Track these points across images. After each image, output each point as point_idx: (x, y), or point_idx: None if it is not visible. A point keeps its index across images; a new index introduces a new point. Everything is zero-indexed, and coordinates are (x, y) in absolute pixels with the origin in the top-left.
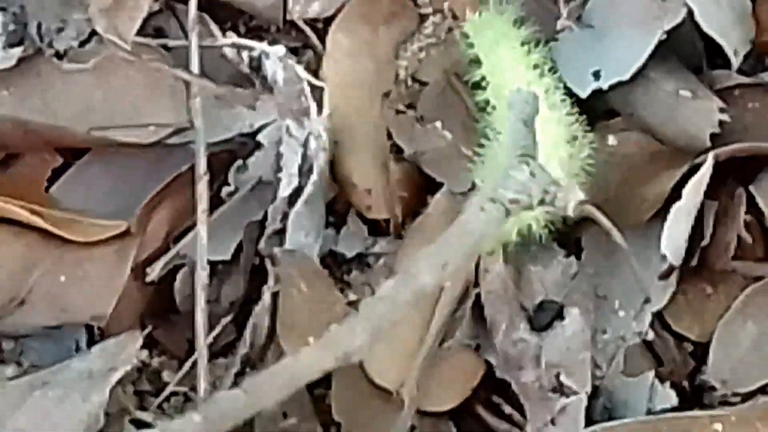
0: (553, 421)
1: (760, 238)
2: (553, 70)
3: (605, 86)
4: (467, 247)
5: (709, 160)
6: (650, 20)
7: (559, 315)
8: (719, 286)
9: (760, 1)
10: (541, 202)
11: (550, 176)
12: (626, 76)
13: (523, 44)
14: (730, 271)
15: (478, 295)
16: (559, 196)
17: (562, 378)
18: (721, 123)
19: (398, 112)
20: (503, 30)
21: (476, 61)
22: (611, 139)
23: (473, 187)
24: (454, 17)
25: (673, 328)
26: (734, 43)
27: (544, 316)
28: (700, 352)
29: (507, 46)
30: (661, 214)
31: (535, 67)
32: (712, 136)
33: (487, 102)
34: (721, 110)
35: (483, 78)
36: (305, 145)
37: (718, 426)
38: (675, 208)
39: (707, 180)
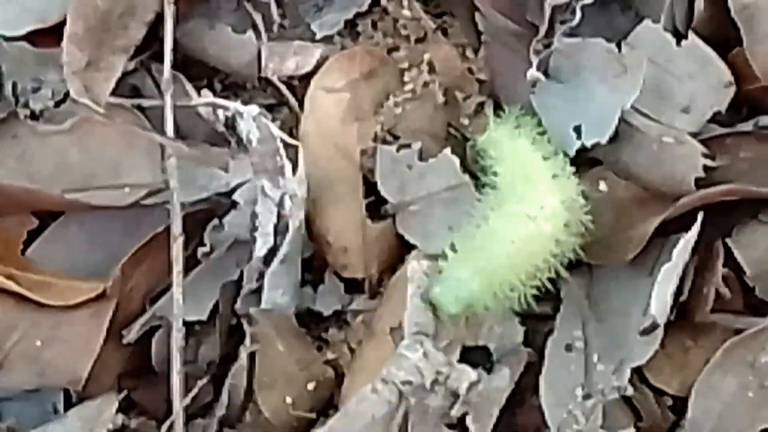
0: None
1: (739, 291)
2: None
3: (588, 144)
4: (359, 429)
5: (699, 217)
6: (614, 76)
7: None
8: (699, 340)
9: (735, 51)
10: (434, 383)
11: (443, 357)
12: (604, 139)
13: (544, 158)
14: (710, 324)
15: None
16: (452, 377)
17: (468, 420)
18: (705, 168)
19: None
20: (522, 145)
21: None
22: (602, 185)
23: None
24: (431, 71)
25: (651, 382)
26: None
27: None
28: (680, 406)
29: (526, 160)
30: (642, 261)
31: (554, 177)
32: (697, 180)
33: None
34: (705, 155)
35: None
36: (280, 204)
37: None
38: (665, 268)
39: (695, 238)
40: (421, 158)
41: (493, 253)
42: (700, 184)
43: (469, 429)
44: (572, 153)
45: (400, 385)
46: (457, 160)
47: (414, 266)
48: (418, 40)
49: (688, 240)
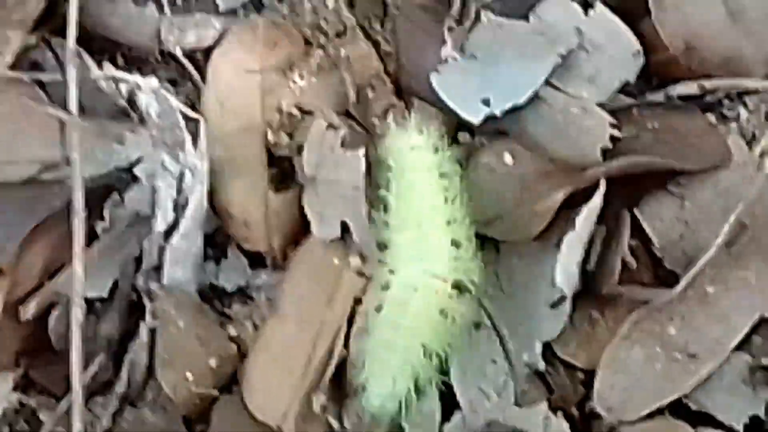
0: None
1: (648, 263)
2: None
3: (498, 112)
4: None
5: (602, 185)
6: (538, 49)
7: None
8: (606, 312)
9: (644, 21)
10: None
11: None
12: (522, 100)
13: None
14: (617, 296)
15: None
16: None
17: None
18: (613, 140)
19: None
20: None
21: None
22: (507, 158)
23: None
24: (348, 68)
25: (559, 355)
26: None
27: None
28: (590, 379)
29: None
30: (549, 236)
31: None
32: (604, 152)
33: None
34: (612, 126)
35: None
36: (181, 178)
37: None
38: (568, 237)
39: (599, 207)
40: (343, 145)
41: (396, 349)
42: (606, 155)
43: None
44: (478, 121)
45: None
46: (362, 163)
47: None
48: (338, 35)
49: (591, 209)
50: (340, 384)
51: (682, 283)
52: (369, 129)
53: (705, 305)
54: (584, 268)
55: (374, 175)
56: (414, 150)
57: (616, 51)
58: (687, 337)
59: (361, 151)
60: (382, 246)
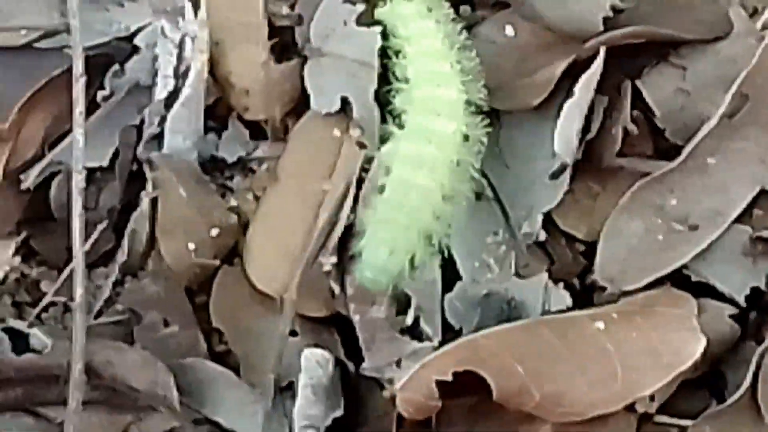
0: (398, 363)
1: (648, 134)
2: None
3: None
4: None
5: (601, 53)
6: None
7: None
8: (607, 185)
9: None
10: None
11: None
12: None
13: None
14: (618, 168)
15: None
16: None
17: (422, 323)
18: (613, 10)
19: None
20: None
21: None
22: (508, 29)
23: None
24: None
25: (560, 227)
26: None
27: None
28: (591, 251)
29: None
30: (550, 107)
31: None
32: (605, 21)
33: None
34: None
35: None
36: (181, 46)
37: (600, 324)
38: (567, 104)
39: (599, 74)
40: (358, 23)
41: (399, 218)
42: (607, 26)
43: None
44: None
45: None
46: (377, 41)
47: (307, 355)
48: None
49: (590, 76)
50: (342, 252)
51: (683, 154)
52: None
53: (705, 176)
54: (585, 138)
55: None
56: (422, 17)
57: None
58: (687, 208)
59: (377, 28)
60: (395, 114)
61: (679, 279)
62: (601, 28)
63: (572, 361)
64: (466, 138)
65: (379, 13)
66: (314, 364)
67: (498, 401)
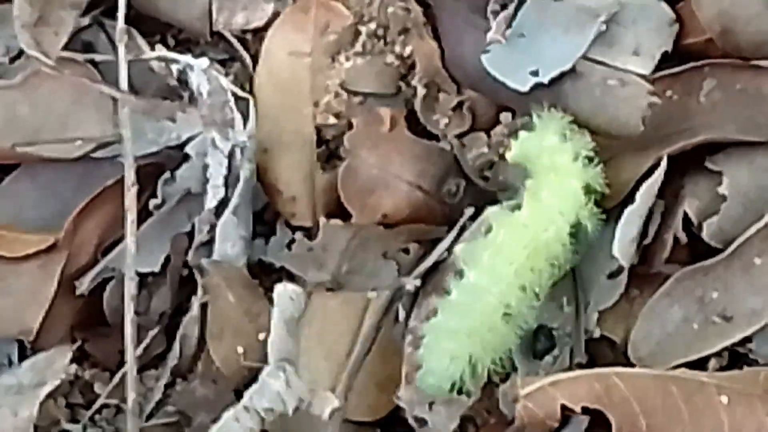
0: None
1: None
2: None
3: (546, 80)
4: None
5: (663, 162)
6: (582, 23)
7: None
8: (645, 290)
9: (681, 4)
10: (296, 410)
11: (305, 385)
12: (568, 66)
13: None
14: (656, 274)
15: None
16: (314, 404)
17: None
18: (651, 107)
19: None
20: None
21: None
22: None
23: None
24: (412, 66)
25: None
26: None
27: None
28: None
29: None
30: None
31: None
32: (644, 119)
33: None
34: (651, 93)
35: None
36: (231, 156)
37: (724, 399)
38: (628, 210)
39: (660, 182)
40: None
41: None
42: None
43: None
44: (527, 88)
45: (262, 413)
46: None
47: (279, 290)
48: (402, 32)
49: (651, 184)
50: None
51: (730, 248)
52: (432, 126)
53: (749, 275)
54: (642, 243)
55: None
56: (553, 152)
57: (652, 22)
58: (726, 303)
59: None
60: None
61: None
62: (642, 127)
63: (689, 428)
64: None
65: (513, 157)
66: (287, 299)
67: None
